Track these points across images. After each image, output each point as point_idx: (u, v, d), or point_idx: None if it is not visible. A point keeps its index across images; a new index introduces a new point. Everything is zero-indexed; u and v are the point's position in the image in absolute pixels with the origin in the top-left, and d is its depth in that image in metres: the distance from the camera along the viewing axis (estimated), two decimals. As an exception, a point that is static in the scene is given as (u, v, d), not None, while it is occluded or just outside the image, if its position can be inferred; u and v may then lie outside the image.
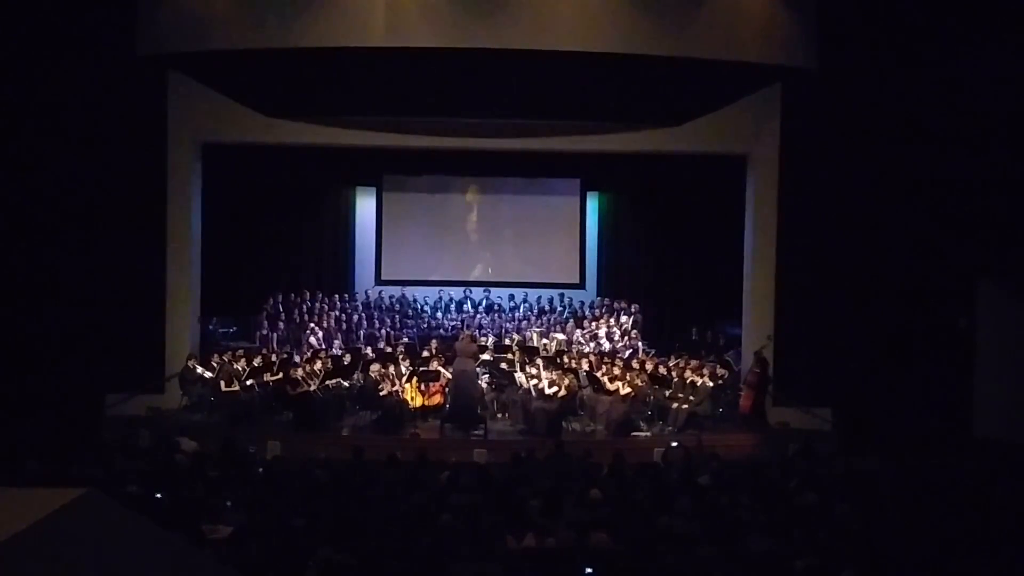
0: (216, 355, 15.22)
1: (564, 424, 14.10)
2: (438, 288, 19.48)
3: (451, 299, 19.33)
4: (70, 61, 14.71)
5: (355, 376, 14.95)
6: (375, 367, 14.60)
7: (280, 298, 18.10)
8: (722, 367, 15.79)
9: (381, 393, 14.30)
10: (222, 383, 14.44)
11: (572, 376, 14.49)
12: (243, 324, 18.02)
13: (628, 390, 14.37)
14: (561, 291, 19.41)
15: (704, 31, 14.09)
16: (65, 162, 15.00)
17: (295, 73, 14.78)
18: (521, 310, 19.07)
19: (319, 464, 10.69)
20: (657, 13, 13.99)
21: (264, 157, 17.38)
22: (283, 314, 17.80)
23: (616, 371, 14.85)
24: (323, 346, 16.87)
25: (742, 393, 15.03)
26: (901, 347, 15.26)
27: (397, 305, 19.02)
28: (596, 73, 14.46)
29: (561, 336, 17.37)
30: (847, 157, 15.09)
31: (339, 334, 17.59)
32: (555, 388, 14.26)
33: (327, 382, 14.52)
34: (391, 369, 14.68)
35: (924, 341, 15.35)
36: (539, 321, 18.48)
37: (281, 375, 14.68)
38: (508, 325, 18.47)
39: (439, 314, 19.00)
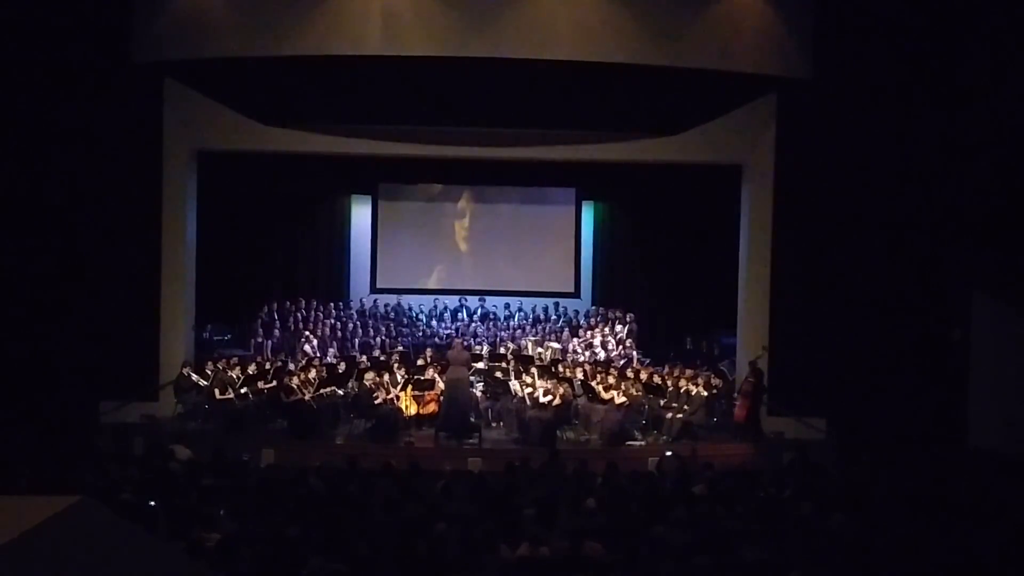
0: (211, 363, 15.20)
1: (558, 433, 14.07)
2: (433, 296, 19.48)
3: (446, 307, 19.33)
4: (66, 68, 14.70)
5: (350, 384, 14.93)
6: (370, 375, 14.59)
7: (275, 306, 18.08)
8: (717, 377, 15.79)
9: (376, 402, 14.29)
10: (216, 391, 14.40)
11: (567, 385, 14.48)
12: (238, 332, 18.01)
13: (623, 399, 14.37)
14: (556, 300, 19.41)
15: (700, 41, 14.13)
16: (61, 169, 14.98)
17: (291, 81, 14.80)
18: (516, 319, 19.08)
19: (313, 472, 10.66)
20: (653, 23, 14.03)
21: (260, 165, 17.40)
22: (278, 322, 17.78)
23: (611, 380, 14.84)
24: (318, 354, 16.84)
25: (737, 403, 15.03)
26: (896, 357, 15.26)
27: (392, 313, 19.02)
28: (592, 83, 14.50)
29: (556, 345, 17.37)
30: (842, 167, 15.11)
31: (334, 342, 17.58)
32: (550, 397, 14.25)
33: (322, 390, 14.49)
34: (386, 378, 14.66)
35: (919, 352, 15.36)
36: (534, 330, 18.48)
37: (276, 383, 14.65)
38: (503, 334, 18.46)
39: (434, 322, 19.00)
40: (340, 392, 14.86)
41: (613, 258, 20.22)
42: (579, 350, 17.43)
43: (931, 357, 15.40)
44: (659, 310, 19.48)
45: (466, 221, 19.97)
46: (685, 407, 14.56)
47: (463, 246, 19.99)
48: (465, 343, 16.35)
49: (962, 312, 15.51)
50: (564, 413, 14.28)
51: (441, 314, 19.22)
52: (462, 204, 19.95)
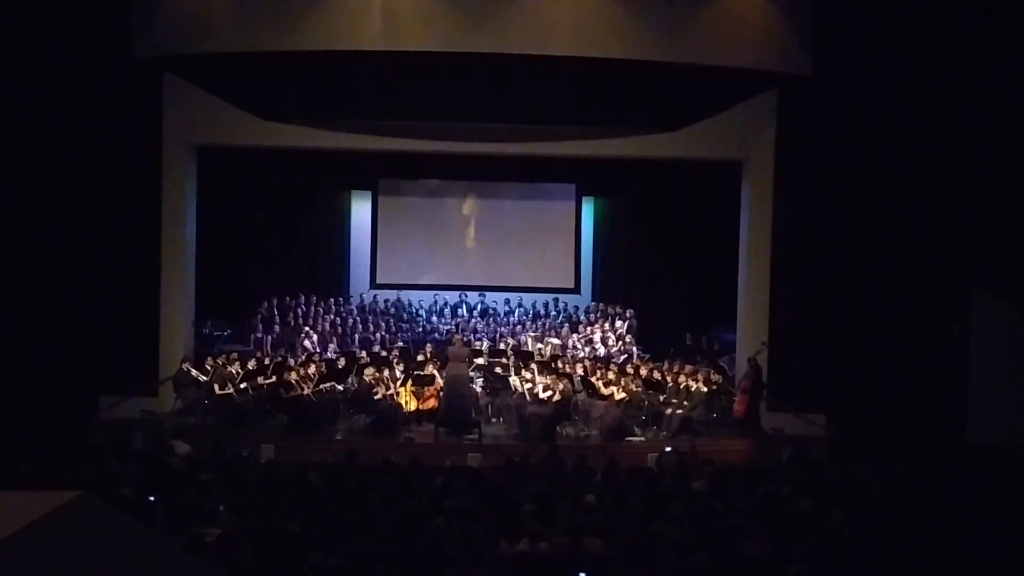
0: (210, 358, 15.19)
1: (558, 429, 14.07)
2: (433, 292, 19.48)
3: (446, 303, 19.33)
4: (66, 63, 14.67)
5: (349, 380, 14.93)
6: (369, 371, 14.59)
7: (275, 301, 18.09)
8: (716, 372, 15.79)
9: (375, 397, 14.29)
10: (216, 386, 14.41)
11: (567, 381, 14.48)
12: (238, 327, 18.01)
13: (622, 395, 14.38)
14: (556, 296, 19.42)
15: (700, 37, 14.11)
16: (60, 164, 14.96)
17: (291, 76, 14.78)
18: (516, 314, 19.08)
19: (313, 468, 10.67)
20: (653, 19, 14.02)
21: (260, 160, 17.39)
22: (278, 317, 17.78)
23: (611, 376, 14.86)
24: (317, 350, 16.85)
25: (736, 398, 15.03)
26: (895, 353, 15.27)
27: (392, 309, 19.02)
28: (592, 78, 14.48)
29: (556, 341, 17.36)
30: (842, 163, 15.11)
31: (334, 338, 17.57)
32: (549, 393, 14.26)
33: (321, 386, 14.50)
34: (385, 373, 14.67)
35: (918, 348, 15.36)
36: (534, 326, 18.48)
37: (275, 378, 14.65)
38: (503, 329, 18.47)
39: (434, 318, 19.01)
40: (340, 388, 14.85)
41: (613, 254, 20.23)
42: (579, 346, 17.43)
43: (930, 353, 15.40)
44: (659, 306, 19.47)
45: (466, 217, 19.96)
46: (685, 403, 14.57)
47: (463, 242, 19.99)
48: (465, 339, 16.34)
49: (961, 308, 15.51)
50: (564, 409, 14.28)
51: (441, 310, 19.22)
52: (462, 200, 19.94)
